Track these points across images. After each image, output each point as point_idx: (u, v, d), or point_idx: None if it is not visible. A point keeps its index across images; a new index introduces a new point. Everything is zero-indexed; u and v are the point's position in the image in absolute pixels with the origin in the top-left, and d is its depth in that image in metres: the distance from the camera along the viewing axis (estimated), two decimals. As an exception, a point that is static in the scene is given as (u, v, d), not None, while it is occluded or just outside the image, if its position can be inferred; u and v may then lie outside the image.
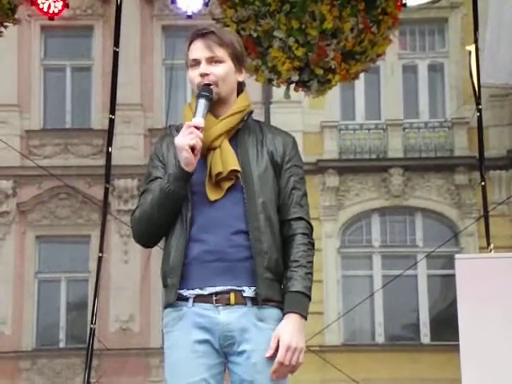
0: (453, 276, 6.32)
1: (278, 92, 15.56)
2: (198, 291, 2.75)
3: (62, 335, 15.93)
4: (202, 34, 2.82)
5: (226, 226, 2.74)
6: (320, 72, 5.82)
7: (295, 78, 5.90)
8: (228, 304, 2.73)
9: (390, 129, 16.41)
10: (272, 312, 2.78)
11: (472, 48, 6.93)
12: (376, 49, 5.76)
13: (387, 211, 16.46)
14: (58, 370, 15.63)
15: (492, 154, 15.03)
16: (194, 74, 2.83)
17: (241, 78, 2.88)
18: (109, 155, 8.05)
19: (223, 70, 2.82)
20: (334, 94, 14.92)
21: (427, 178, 16.26)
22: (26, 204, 16.13)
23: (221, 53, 2.83)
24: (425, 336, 15.78)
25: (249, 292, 2.74)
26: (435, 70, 16.90)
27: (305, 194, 2.90)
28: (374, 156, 16.43)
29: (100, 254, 8.85)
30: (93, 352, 8.88)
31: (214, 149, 2.77)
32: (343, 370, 12.85)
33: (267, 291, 2.74)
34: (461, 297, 6.12)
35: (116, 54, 7.69)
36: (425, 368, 14.91)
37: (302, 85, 6.00)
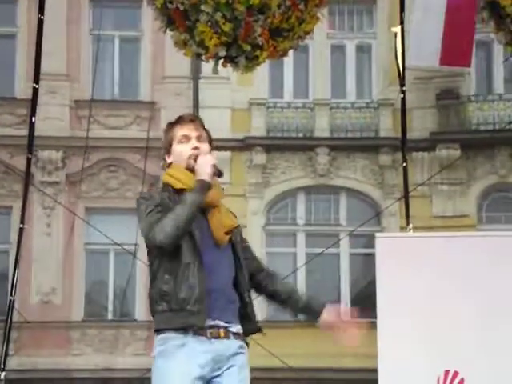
0: (374, 255, 6.43)
1: (207, 67, 15.55)
2: (211, 322, 3.38)
3: (-20, 307, 15.69)
4: (190, 117, 3.58)
5: (226, 271, 3.45)
6: (248, 48, 5.83)
7: (222, 53, 5.89)
8: (218, 337, 3.36)
9: (317, 108, 16.53)
10: (244, 344, 3.50)
11: (398, 29, 7.01)
12: (303, 26, 5.78)
13: (312, 190, 16.62)
14: (-24, 342, 15.41)
15: (415, 135, 15.26)
16: (184, 148, 3.50)
17: None
18: (32, 125, 7.89)
19: (207, 147, 3.54)
20: (263, 71, 14.96)
21: (352, 158, 16.45)
22: None
23: (204, 135, 3.56)
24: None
25: (235, 327, 3.44)
26: (363, 50, 17.07)
27: None
28: (300, 135, 16.53)
29: (21, 225, 8.72)
30: (12, 324, 8.77)
31: (215, 207, 3.47)
32: (264, 346, 12.98)
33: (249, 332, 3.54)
34: (380, 274, 6.23)
35: (41, 22, 7.54)
36: (343, 344, 15.15)
37: (230, 60, 6.00)
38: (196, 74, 16.42)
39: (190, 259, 3.34)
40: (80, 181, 15.73)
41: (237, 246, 3.50)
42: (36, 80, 7.79)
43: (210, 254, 3.38)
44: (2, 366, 8.51)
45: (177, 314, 3.30)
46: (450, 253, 6.20)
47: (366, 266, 15.76)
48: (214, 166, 3.44)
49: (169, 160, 3.57)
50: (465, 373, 6.11)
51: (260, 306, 13.77)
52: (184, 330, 3.30)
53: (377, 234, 6.35)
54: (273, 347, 13.30)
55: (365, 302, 14.87)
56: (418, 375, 6.16)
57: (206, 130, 3.60)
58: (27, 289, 15.34)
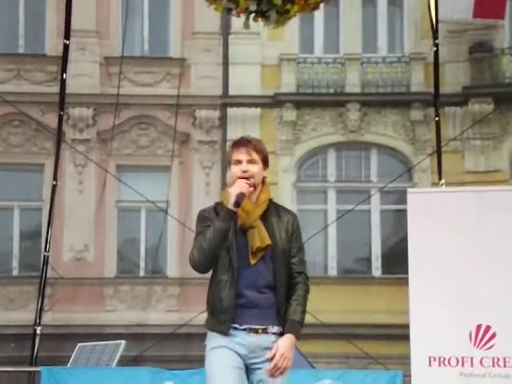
0: (405, 211, 6.41)
1: (237, 23, 15.45)
2: (237, 326, 4.00)
3: (15, 263, 15.88)
4: (244, 142, 4.08)
5: (260, 283, 4.00)
6: (278, 2, 5.79)
7: (253, 7, 5.85)
8: (256, 333, 4.01)
9: (347, 63, 16.37)
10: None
11: (431, -19, 6.91)
12: (335, -21, 5.73)
13: (343, 146, 16.53)
14: (11, 297, 15.62)
15: (447, 90, 15.09)
16: (236, 170, 4.05)
17: (265, 174, 4.13)
18: (63, 82, 7.93)
19: (257, 169, 4.06)
20: (293, 26, 14.83)
21: (383, 114, 16.32)
22: (-22, 131, 15.91)
23: (255, 156, 4.06)
24: (376, 269, 16.03)
25: (272, 329, 4.01)
26: (394, 4, 16.82)
27: (304, 253, 4.17)
28: (331, 90, 16.41)
29: (54, 182, 8.79)
30: (46, 280, 8.87)
31: (253, 227, 4.01)
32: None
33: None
34: (411, 229, 6.21)
35: (71, -22, 7.53)
36: (375, 300, 15.18)
37: (261, 15, 5.95)
38: (226, 30, 16.32)
39: (224, 276, 4.00)
40: (111, 138, 15.77)
41: (275, 257, 4.04)
42: (67, 36, 7.80)
43: (247, 271, 4.00)
44: (38, 321, 8.65)
45: (211, 319, 4.04)
46: (482, 207, 6.16)
47: (397, 222, 15.72)
48: (239, 194, 3.95)
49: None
50: (497, 327, 6.11)
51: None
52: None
53: (408, 190, 6.33)
54: (304, 303, 13.33)
55: (396, 258, 14.93)
56: (450, 330, 6.16)
57: (261, 150, 4.10)
58: (60, 246, 15.49)
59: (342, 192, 16.30)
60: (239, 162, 4.07)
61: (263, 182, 4.12)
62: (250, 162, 4.06)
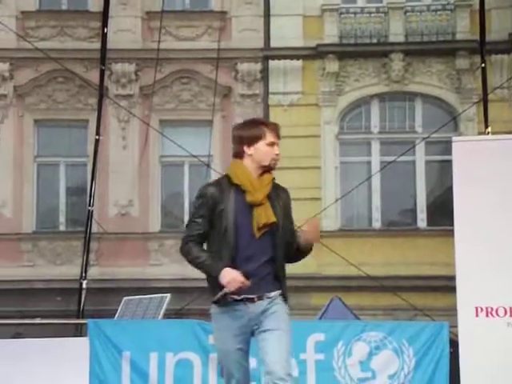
0: (451, 162, 6.31)
1: (277, -26, 15.31)
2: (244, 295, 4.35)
3: (62, 219, 16.05)
4: (277, 126, 4.44)
5: (261, 256, 4.31)
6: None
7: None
8: (252, 302, 4.36)
9: (391, 12, 16.10)
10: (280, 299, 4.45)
11: None
12: None
13: (387, 97, 16.33)
14: (59, 252, 15.82)
15: (494, 37, 14.76)
16: (270, 151, 4.38)
17: None
18: (104, 36, 7.92)
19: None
20: (335, -25, 14.60)
21: (428, 63, 16.06)
22: (23, 87, 15.99)
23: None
24: (421, 221, 15.91)
25: (268, 295, 4.34)
26: (439, -52, 16.49)
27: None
28: (374, 40, 16.17)
29: (97, 137, 8.82)
30: (91, 234, 8.96)
31: (262, 205, 4.31)
32: (340, 254, 12.99)
33: (286, 292, 4.45)
34: (457, 179, 6.12)
35: None
36: (420, 252, 15.08)
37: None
38: (267, -19, 16.14)
39: (224, 250, 4.29)
40: (152, 93, 15.76)
41: (276, 233, 4.33)
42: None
43: (249, 245, 4.29)
44: (84, 275, 8.76)
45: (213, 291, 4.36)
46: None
47: (442, 173, 15.55)
48: (230, 290, 4.26)
49: (249, 152, 4.38)
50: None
51: (335, 215, 13.72)
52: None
53: (454, 138, 6.23)
54: (348, 255, 13.30)
55: (441, 209, 14.79)
56: (497, 280, 6.10)
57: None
58: (105, 201, 15.61)
59: (385, 143, 16.14)
60: (273, 144, 4.38)
61: None
62: (277, 145, 4.42)
